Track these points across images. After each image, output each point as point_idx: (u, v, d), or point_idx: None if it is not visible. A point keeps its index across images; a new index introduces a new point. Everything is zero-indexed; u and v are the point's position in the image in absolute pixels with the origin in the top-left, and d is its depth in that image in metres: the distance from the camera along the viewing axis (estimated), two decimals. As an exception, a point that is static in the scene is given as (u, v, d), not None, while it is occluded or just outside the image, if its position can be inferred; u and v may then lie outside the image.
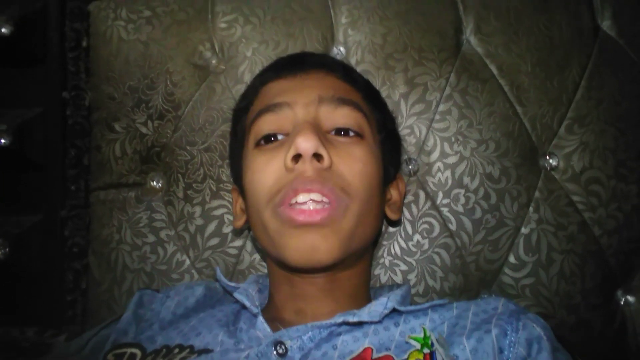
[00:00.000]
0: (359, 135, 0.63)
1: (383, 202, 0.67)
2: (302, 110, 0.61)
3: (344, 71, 0.68)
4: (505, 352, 0.53)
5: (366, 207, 0.60)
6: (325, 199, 0.57)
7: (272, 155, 0.60)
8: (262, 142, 0.63)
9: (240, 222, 0.70)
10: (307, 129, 0.58)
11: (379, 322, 0.56)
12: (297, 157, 0.57)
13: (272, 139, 0.62)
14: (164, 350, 0.58)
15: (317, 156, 0.57)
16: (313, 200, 0.57)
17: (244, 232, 0.78)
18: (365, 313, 0.56)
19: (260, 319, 0.58)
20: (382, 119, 0.69)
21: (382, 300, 0.58)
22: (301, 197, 0.57)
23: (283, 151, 0.59)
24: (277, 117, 0.62)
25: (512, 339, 0.54)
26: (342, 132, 0.62)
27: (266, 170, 0.60)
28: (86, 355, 0.61)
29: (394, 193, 0.71)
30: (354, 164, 0.60)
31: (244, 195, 0.65)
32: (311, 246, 0.56)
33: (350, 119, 0.62)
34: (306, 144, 0.56)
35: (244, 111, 0.69)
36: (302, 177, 0.57)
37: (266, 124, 0.63)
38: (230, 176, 0.77)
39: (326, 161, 0.57)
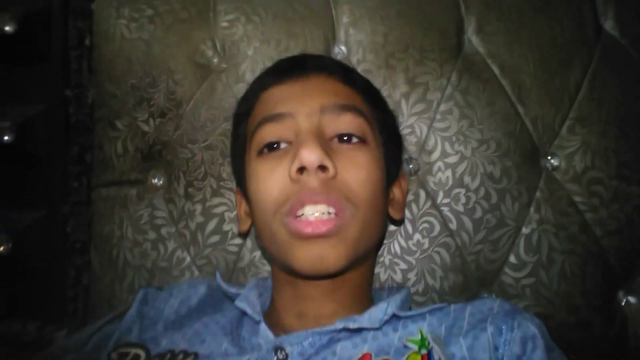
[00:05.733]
0: (361, 140, 0.62)
1: (386, 203, 0.68)
2: (304, 120, 0.61)
3: (344, 74, 0.68)
4: (500, 350, 0.54)
5: (371, 212, 0.61)
6: (331, 210, 0.57)
7: (275, 164, 0.60)
8: (265, 150, 0.62)
9: (245, 226, 0.70)
10: (311, 141, 0.57)
11: (379, 328, 0.57)
12: (301, 169, 0.57)
13: (275, 146, 0.62)
14: (169, 355, 0.58)
15: (321, 167, 0.57)
16: (319, 212, 0.57)
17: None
18: (366, 319, 0.57)
19: (263, 326, 0.59)
20: (383, 119, 0.69)
21: (382, 305, 0.58)
22: (308, 209, 0.57)
23: (287, 161, 0.59)
24: (280, 127, 0.62)
25: (507, 337, 0.55)
26: (345, 138, 0.62)
27: (271, 180, 0.60)
28: (89, 352, 0.61)
29: (396, 192, 0.71)
30: (358, 171, 0.60)
31: (249, 201, 0.65)
32: (319, 256, 0.57)
33: (352, 125, 0.62)
34: (311, 156, 0.56)
35: (245, 116, 0.68)
36: (307, 188, 0.57)
37: (268, 133, 0.62)
38: (233, 179, 0.77)
39: (331, 172, 0.57)
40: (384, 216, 0.67)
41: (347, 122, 0.62)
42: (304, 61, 0.70)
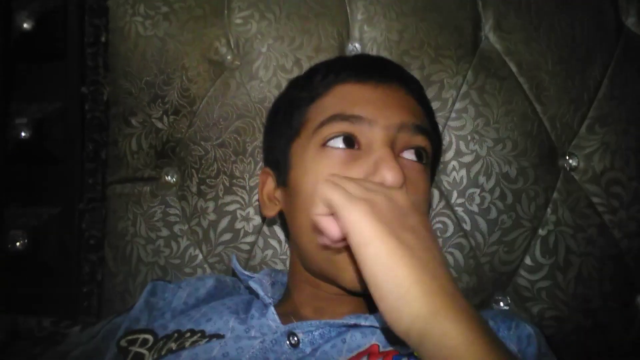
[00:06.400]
0: (424, 164, 0.62)
1: None
2: (381, 132, 0.59)
3: (419, 93, 0.67)
4: None
5: None
6: None
7: (345, 169, 0.57)
8: (341, 145, 0.59)
9: (272, 212, 0.67)
10: (392, 160, 0.55)
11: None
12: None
13: (346, 143, 0.59)
14: (176, 334, 0.58)
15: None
16: None
17: (256, 228, 0.78)
18: (378, 318, 0.56)
19: (271, 309, 0.59)
20: (438, 146, 0.69)
21: None
22: None
23: (358, 167, 0.57)
24: (354, 129, 0.59)
25: (504, 334, 0.56)
26: (411, 154, 0.61)
27: None
28: (98, 342, 0.62)
29: None
30: (420, 195, 0.59)
31: (289, 189, 0.63)
32: None
33: (422, 147, 0.61)
34: (395, 178, 0.54)
35: (308, 102, 0.64)
36: None
37: (340, 131, 0.59)
38: (263, 157, 0.74)
39: None
40: None
41: (419, 144, 0.61)
42: (386, 67, 0.68)
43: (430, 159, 0.64)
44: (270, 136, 0.71)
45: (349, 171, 0.57)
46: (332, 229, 0.46)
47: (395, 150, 0.59)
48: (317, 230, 0.50)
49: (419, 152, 0.61)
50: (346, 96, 0.62)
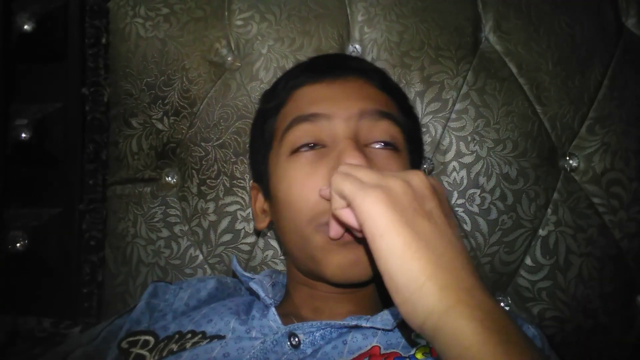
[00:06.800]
0: (395, 148, 0.61)
1: None
2: (342, 125, 0.59)
3: (381, 79, 0.67)
4: None
5: None
6: None
7: (312, 169, 0.58)
8: (303, 149, 0.60)
9: (263, 224, 0.68)
10: (353, 149, 0.56)
11: (391, 330, 0.56)
12: None
13: (309, 147, 0.60)
14: (177, 335, 0.58)
15: None
16: None
17: (256, 229, 0.78)
18: (378, 320, 0.56)
19: (272, 310, 0.59)
20: (414, 128, 0.68)
21: (394, 310, 0.58)
22: None
23: (324, 166, 0.57)
24: (314, 128, 0.60)
25: None
26: (379, 145, 0.61)
27: (307, 185, 0.58)
28: (99, 343, 0.62)
29: None
30: None
31: (272, 199, 0.64)
32: (354, 263, 0.56)
33: (389, 133, 0.61)
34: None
35: (274, 112, 0.66)
36: None
37: (304, 133, 0.60)
38: (248, 176, 0.76)
39: None
40: None
41: (384, 130, 0.61)
42: (342, 62, 0.68)
43: (406, 142, 0.64)
44: (252, 151, 0.73)
45: (317, 170, 0.58)
46: (352, 221, 0.45)
47: (361, 140, 0.59)
48: (337, 222, 0.49)
49: (383, 142, 0.60)
50: (304, 98, 0.63)
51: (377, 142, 0.60)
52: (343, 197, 0.45)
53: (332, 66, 0.66)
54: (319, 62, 0.69)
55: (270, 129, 0.66)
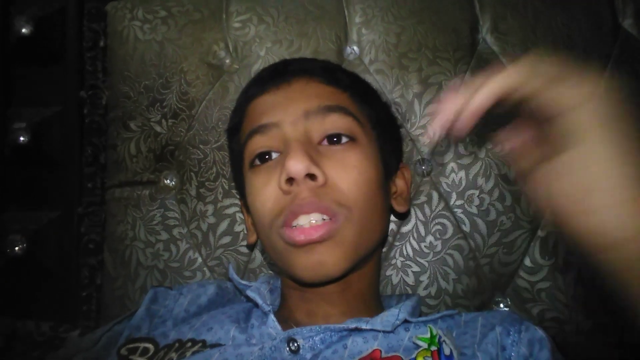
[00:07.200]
0: (351, 139, 0.62)
1: (387, 198, 0.67)
2: (290, 128, 0.61)
3: (325, 74, 0.67)
4: (508, 350, 0.55)
5: (367, 212, 0.60)
6: (325, 217, 0.57)
7: (267, 176, 0.61)
8: (257, 161, 0.63)
9: (253, 238, 0.70)
10: (296, 150, 0.57)
11: (391, 331, 0.57)
12: (290, 179, 0.57)
13: (267, 157, 0.62)
14: (177, 344, 0.58)
15: (310, 175, 0.57)
16: (314, 220, 0.57)
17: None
18: (378, 322, 0.57)
19: (271, 317, 0.59)
20: (374, 113, 0.67)
21: (394, 311, 0.58)
22: (301, 220, 0.57)
23: (277, 172, 0.59)
24: (267, 137, 0.62)
25: (515, 338, 0.55)
26: (335, 139, 0.61)
27: (264, 193, 0.60)
28: (99, 350, 0.62)
29: (399, 183, 0.70)
30: (349, 173, 0.59)
31: (250, 213, 0.66)
32: (318, 263, 0.57)
33: (339, 125, 0.62)
34: (297, 166, 0.56)
35: (236, 130, 0.69)
36: (298, 199, 0.57)
37: (257, 144, 0.63)
38: (237, 193, 0.77)
39: (320, 179, 0.57)
40: (385, 213, 0.66)
41: (334, 123, 0.61)
42: (284, 67, 0.69)
43: (371, 129, 0.64)
44: (232, 171, 0.75)
45: (271, 178, 0.60)
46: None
47: (314, 139, 0.61)
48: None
49: (335, 135, 0.61)
50: (255, 111, 0.65)
51: (331, 137, 0.61)
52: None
53: (275, 73, 0.67)
54: (264, 73, 0.71)
55: (237, 147, 0.68)
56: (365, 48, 0.80)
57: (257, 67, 0.80)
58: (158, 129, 0.81)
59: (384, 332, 0.56)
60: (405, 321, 0.58)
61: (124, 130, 0.82)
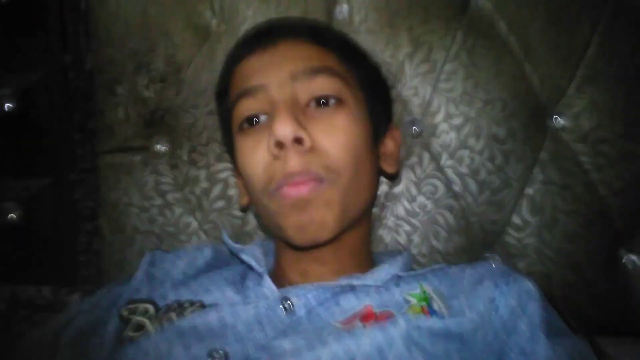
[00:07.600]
0: (339, 101, 0.61)
1: (376, 160, 0.67)
2: (276, 90, 0.60)
3: (313, 34, 0.65)
4: (496, 302, 0.56)
5: (356, 175, 0.60)
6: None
7: (256, 140, 0.60)
8: (245, 125, 0.62)
9: (245, 200, 0.71)
10: (282, 113, 0.57)
11: (382, 286, 0.58)
12: (280, 143, 0.57)
13: (255, 120, 0.62)
14: (175, 305, 0.60)
15: (297, 139, 0.57)
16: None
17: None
18: (369, 278, 0.58)
19: (266, 277, 0.60)
20: (363, 74, 0.67)
21: (385, 267, 0.60)
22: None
23: (266, 136, 0.58)
24: (254, 100, 0.61)
25: (503, 289, 0.56)
26: (323, 101, 0.61)
27: (254, 158, 0.60)
28: (100, 311, 0.64)
29: (389, 144, 0.70)
30: (337, 136, 0.59)
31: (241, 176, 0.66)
32: (309, 221, 0.57)
33: (327, 86, 0.61)
34: (284, 131, 0.56)
35: (224, 93, 0.68)
36: (288, 167, 0.57)
37: (245, 108, 0.62)
38: (229, 158, 0.77)
39: (307, 143, 0.57)
40: (373, 174, 0.67)
41: (321, 84, 0.61)
42: (270, 28, 0.67)
43: (359, 90, 0.64)
44: (222, 136, 0.75)
45: (260, 142, 0.59)
46: None
47: (301, 102, 0.60)
48: None
49: (323, 97, 0.61)
50: (241, 73, 0.64)
51: (318, 98, 0.61)
52: None
53: (261, 35, 0.66)
54: (249, 35, 0.69)
55: (225, 111, 0.67)
56: (355, 7, 0.78)
57: (245, 27, 0.78)
58: (146, 93, 0.80)
59: (375, 287, 0.58)
60: (397, 276, 0.60)
61: (110, 95, 0.81)
